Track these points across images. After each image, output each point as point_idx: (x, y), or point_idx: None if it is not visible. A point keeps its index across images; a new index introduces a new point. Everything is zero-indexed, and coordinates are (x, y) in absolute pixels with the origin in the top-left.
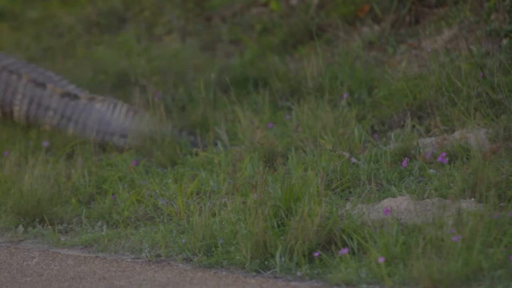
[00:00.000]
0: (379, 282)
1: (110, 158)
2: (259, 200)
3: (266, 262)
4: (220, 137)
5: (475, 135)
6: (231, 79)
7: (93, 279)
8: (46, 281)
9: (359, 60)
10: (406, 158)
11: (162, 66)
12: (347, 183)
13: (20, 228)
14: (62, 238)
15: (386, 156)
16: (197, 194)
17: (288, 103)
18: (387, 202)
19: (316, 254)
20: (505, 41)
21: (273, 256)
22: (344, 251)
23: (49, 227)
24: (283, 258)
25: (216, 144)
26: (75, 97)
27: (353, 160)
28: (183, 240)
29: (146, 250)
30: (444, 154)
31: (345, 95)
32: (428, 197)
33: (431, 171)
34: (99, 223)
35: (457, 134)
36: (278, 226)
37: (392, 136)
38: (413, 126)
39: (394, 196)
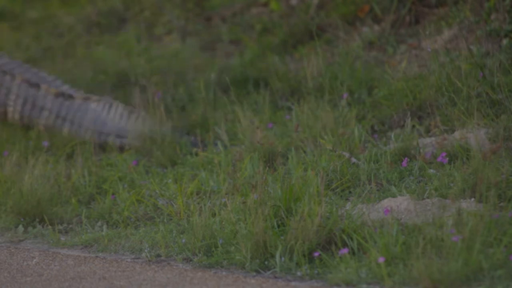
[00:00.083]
0: (379, 282)
1: (110, 158)
2: (259, 200)
3: (266, 262)
4: (220, 137)
5: (475, 135)
6: (231, 79)
7: (93, 279)
8: (46, 281)
9: (359, 60)
10: (406, 158)
11: (162, 66)
12: (347, 183)
13: (20, 228)
14: (62, 238)
15: (386, 156)
16: (197, 194)
17: (288, 103)
18: (387, 202)
19: (316, 254)
20: (505, 41)
21: (273, 256)
22: (344, 251)
23: (49, 227)
24: (283, 258)
25: (216, 144)
26: (70, 97)
27: (353, 160)
28: (183, 240)
29: (146, 250)
30: (444, 154)
31: (345, 95)
32: (428, 197)
33: (431, 171)
34: (99, 223)
35: (457, 134)
36: (278, 226)
37: (392, 136)
38: (413, 126)
39: (394, 196)
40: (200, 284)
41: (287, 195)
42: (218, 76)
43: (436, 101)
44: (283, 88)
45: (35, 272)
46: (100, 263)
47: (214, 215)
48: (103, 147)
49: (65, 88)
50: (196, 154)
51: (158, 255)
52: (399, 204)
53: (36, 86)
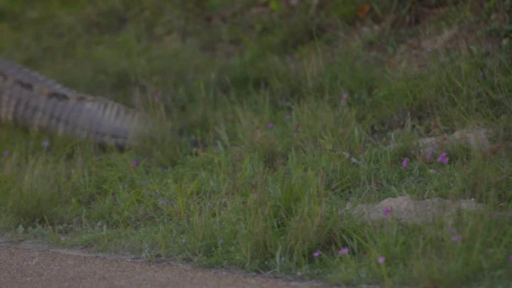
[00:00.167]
0: (379, 282)
1: (110, 158)
2: (259, 200)
3: (266, 262)
4: (220, 137)
5: (475, 135)
6: (231, 79)
7: (93, 279)
8: (46, 281)
9: (359, 60)
10: (406, 158)
11: (162, 66)
12: (347, 183)
13: (20, 228)
14: (62, 238)
15: (386, 156)
16: (197, 194)
17: (288, 103)
18: (387, 202)
19: (316, 254)
20: (505, 41)
21: (273, 256)
22: (344, 251)
23: (49, 227)
24: (283, 258)
25: (216, 144)
26: (64, 97)
27: (353, 160)
28: (183, 240)
29: (146, 250)
30: (444, 154)
31: (345, 95)
32: (428, 197)
33: (431, 171)
34: (99, 223)
35: (457, 134)
36: (278, 226)
37: (392, 136)
38: (413, 126)
39: (394, 196)
40: (200, 284)
41: (287, 195)
42: (218, 76)
43: (436, 101)
44: (283, 88)
45: (35, 272)
46: (100, 263)
47: (214, 215)
48: (103, 147)
49: (58, 88)
50: (196, 154)
51: (158, 255)
52: (399, 204)
53: (29, 86)
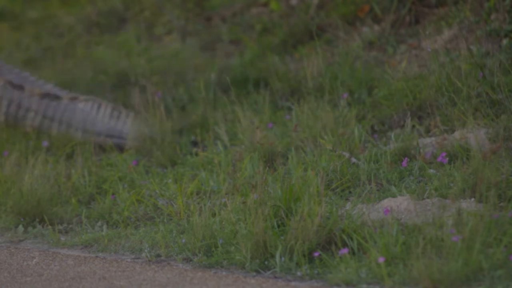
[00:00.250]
0: (379, 282)
1: (110, 158)
2: (259, 200)
3: (266, 262)
4: (220, 137)
5: (475, 135)
6: (231, 79)
7: (93, 279)
8: (46, 281)
9: (359, 60)
10: (406, 158)
11: (162, 66)
12: (347, 183)
13: (20, 228)
14: (62, 238)
15: (386, 156)
16: (197, 194)
17: (288, 103)
18: (387, 202)
19: (316, 254)
20: (505, 41)
21: (273, 256)
22: (344, 251)
23: (49, 227)
24: (283, 258)
25: (216, 144)
26: (56, 97)
27: (353, 160)
28: (183, 240)
29: (146, 250)
30: (444, 154)
31: (345, 95)
32: (428, 197)
33: (431, 171)
34: (99, 223)
35: (457, 134)
36: (278, 226)
37: (392, 136)
38: (413, 126)
39: (394, 196)
40: (200, 284)
41: (287, 195)
42: (218, 76)
43: (436, 101)
44: (283, 88)
45: (35, 272)
46: (100, 263)
47: (214, 215)
48: (102, 148)
49: (49, 88)
50: (196, 154)
51: (158, 255)
52: (399, 204)
53: (20, 87)
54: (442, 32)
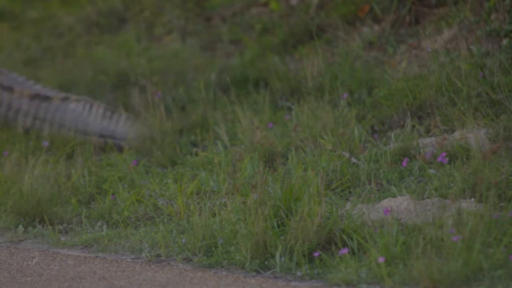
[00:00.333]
0: (379, 282)
1: (110, 158)
2: (259, 200)
3: (266, 262)
4: (220, 137)
5: (475, 135)
6: (231, 79)
7: (93, 279)
8: (46, 281)
9: (359, 60)
10: (406, 158)
11: (162, 66)
12: (347, 183)
13: (20, 228)
14: (62, 238)
15: (386, 156)
16: (197, 194)
17: (288, 103)
18: (387, 202)
19: (316, 254)
20: (505, 41)
21: (273, 256)
22: (344, 251)
23: (49, 227)
24: (283, 258)
25: (216, 144)
26: (47, 98)
27: (353, 160)
28: (183, 240)
29: (146, 250)
30: (444, 154)
31: (345, 95)
32: (428, 197)
33: (431, 171)
34: (99, 223)
35: (457, 134)
36: (278, 226)
37: (392, 136)
38: (413, 126)
39: (394, 196)
40: (200, 284)
41: (287, 195)
42: (218, 76)
43: (436, 101)
44: (283, 88)
45: (35, 272)
46: (100, 263)
47: (214, 215)
48: (102, 148)
49: (39, 89)
50: (196, 154)
51: (158, 255)
52: (399, 204)
53: (9, 89)
54: (442, 32)
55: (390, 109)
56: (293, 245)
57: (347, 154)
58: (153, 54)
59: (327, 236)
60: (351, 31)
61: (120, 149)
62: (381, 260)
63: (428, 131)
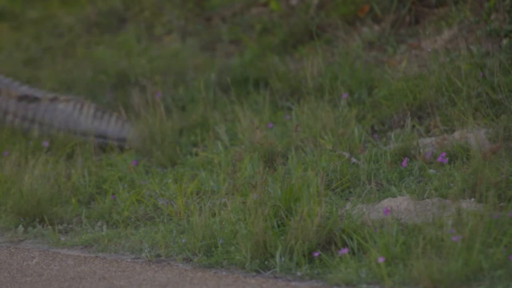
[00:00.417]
0: (379, 282)
1: (110, 158)
2: (259, 200)
3: (266, 262)
4: (220, 137)
5: (475, 135)
6: (231, 79)
7: (93, 279)
8: (46, 281)
9: (359, 60)
10: (406, 158)
11: (162, 66)
12: (347, 183)
13: (20, 228)
14: (62, 238)
15: (386, 156)
16: (197, 194)
17: (288, 103)
18: (387, 202)
19: (316, 254)
20: (505, 41)
21: (273, 256)
22: (344, 251)
23: (49, 227)
24: (283, 258)
25: (216, 144)
26: (35, 99)
27: (353, 160)
28: (183, 240)
29: (146, 250)
30: (444, 154)
31: (345, 95)
32: (428, 197)
33: (431, 171)
34: (99, 223)
35: (457, 134)
36: (278, 226)
37: (392, 136)
38: (413, 126)
39: (394, 196)
40: (200, 284)
41: (287, 195)
42: (218, 76)
43: (436, 101)
44: (283, 88)
45: (35, 272)
46: (100, 263)
47: (214, 215)
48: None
49: (25, 89)
50: (196, 154)
51: (158, 255)
52: (399, 204)
53: None
54: (442, 32)
55: (390, 109)
56: (293, 245)
57: (347, 154)
58: (153, 54)
59: (327, 236)
60: (351, 31)
61: (121, 149)
62: (381, 260)
63: (428, 131)
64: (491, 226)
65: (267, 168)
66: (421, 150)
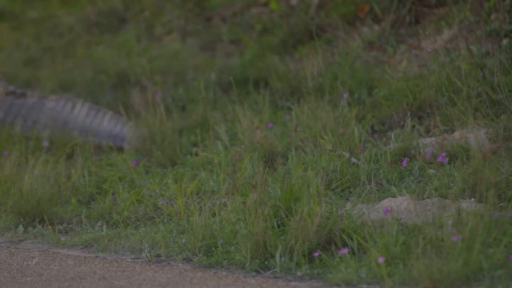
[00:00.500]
0: (379, 282)
1: (110, 158)
2: (259, 200)
3: (266, 262)
4: (220, 137)
5: (475, 135)
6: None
7: (93, 279)
8: (46, 281)
9: (359, 60)
10: (406, 158)
11: (162, 66)
12: (347, 183)
13: (20, 228)
14: (62, 238)
15: (386, 156)
16: (197, 194)
17: (288, 103)
18: (387, 202)
19: (316, 254)
20: (505, 41)
21: (273, 256)
22: (344, 251)
23: (49, 227)
24: (283, 258)
25: (216, 144)
26: (22, 95)
27: (353, 160)
28: (183, 240)
29: (146, 250)
30: (444, 154)
31: (345, 95)
32: (428, 197)
33: (431, 171)
34: (99, 223)
35: (457, 134)
36: (278, 226)
37: (392, 136)
38: (413, 126)
39: (394, 196)
40: (200, 284)
41: (287, 195)
42: (218, 76)
43: (436, 101)
44: (283, 88)
45: (35, 272)
46: (100, 263)
47: (214, 215)
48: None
49: (12, 88)
50: (196, 154)
51: (158, 255)
52: (399, 204)
53: None
54: (442, 32)
55: (390, 109)
56: (293, 245)
57: (347, 154)
58: (153, 54)
59: (327, 236)
60: (351, 31)
61: (120, 149)
62: (381, 260)
63: (428, 131)
64: (491, 226)
65: (267, 168)
66: (421, 150)
